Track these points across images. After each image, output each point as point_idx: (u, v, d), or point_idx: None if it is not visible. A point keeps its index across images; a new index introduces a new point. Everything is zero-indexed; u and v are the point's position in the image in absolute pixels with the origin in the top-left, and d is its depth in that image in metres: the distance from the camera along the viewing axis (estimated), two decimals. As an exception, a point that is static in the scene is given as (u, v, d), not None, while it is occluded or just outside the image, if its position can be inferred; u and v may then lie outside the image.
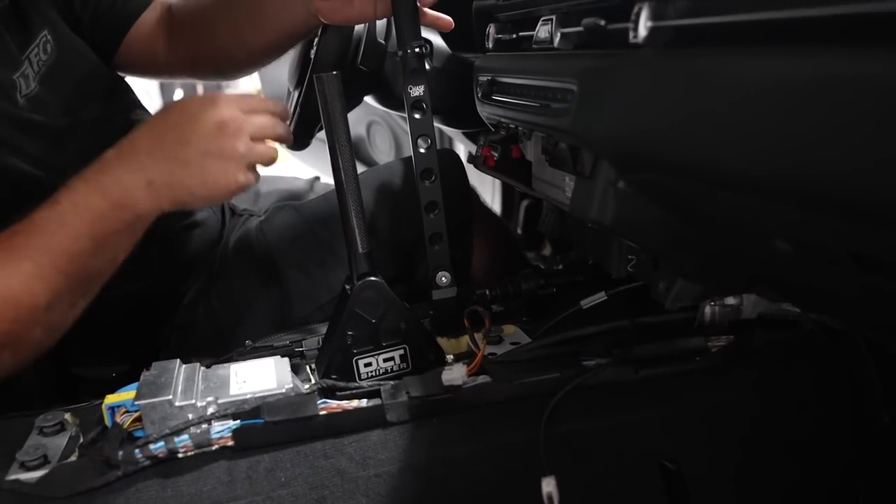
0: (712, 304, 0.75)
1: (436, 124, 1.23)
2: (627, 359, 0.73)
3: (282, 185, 1.26)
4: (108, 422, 0.68)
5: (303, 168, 2.09)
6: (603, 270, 0.82)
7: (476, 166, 0.90)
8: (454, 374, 0.69)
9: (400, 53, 0.76)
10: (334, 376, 0.72)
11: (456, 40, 1.13)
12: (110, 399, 0.68)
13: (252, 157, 0.70)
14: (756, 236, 0.54)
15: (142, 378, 0.70)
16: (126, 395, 0.68)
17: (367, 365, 0.74)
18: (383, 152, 1.83)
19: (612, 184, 0.61)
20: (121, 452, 0.63)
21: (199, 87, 3.14)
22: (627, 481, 0.72)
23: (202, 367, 0.74)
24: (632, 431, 0.73)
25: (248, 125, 0.70)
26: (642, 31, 0.54)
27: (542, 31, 0.73)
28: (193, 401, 0.67)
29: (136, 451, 0.63)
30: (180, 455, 0.65)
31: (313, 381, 0.75)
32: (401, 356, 0.75)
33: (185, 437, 0.64)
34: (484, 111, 0.88)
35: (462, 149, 1.66)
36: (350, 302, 0.72)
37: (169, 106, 0.72)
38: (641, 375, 0.73)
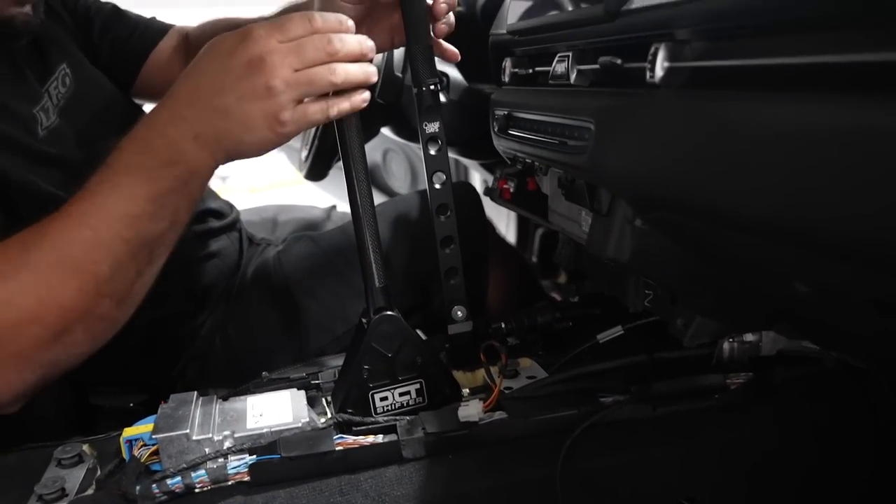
0: (731, 340, 0.74)
1: (452, 155, 1.25)
2: (645, 396, 0.72)
3: (299, 213, 1.27)
4: (125, 455, 0.68)
5: (319, 193, 2.10)
6: (619, 303, 0.81)
7: (492, 199, 0.91)
8: (470, 411, 0.69)
9: (415, 90, 0.77)
10: (350, 410, 0.72)
11: (472, 72, 1.14)
12: (128, 432, 0.69)
13: (296, 91, 0.62)
14: (774, 277, 0.53)
15: (159, 411, 0.70)
16: (143, 427, 0.69)
17: (382, 399, 0.74)
18: (399, 179, 1.84)
19: (629, 221, 0.61)
20: (138, 487, 0.63)
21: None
22: (645, 520, 0.71)
23: (219, 400, 0.75)
24: (649, 469, 0.72)
25: (286, 57, 0.61)
26: (659, 71, 0.55)
27: (558, 66, 0.74)
28: (210, 435, 0.67)
29: (154, 486, 0.63)
30: (197, 490, 0.65)
31: (329, 415, 0.75)
32: (417, 390, 0.75)
33: (201, 472, 0.65)
34: (500, 145, 0.89)
35: (478, 177, 1.67)
36: (366, 336, 0.73)
37: (206, 47, 0.65)
38: (659, 413, 0.72)
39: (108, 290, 0.64)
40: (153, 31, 1.02)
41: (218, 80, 0.62)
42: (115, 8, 1.02)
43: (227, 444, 0.67)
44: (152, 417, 0.70)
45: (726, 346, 0.75)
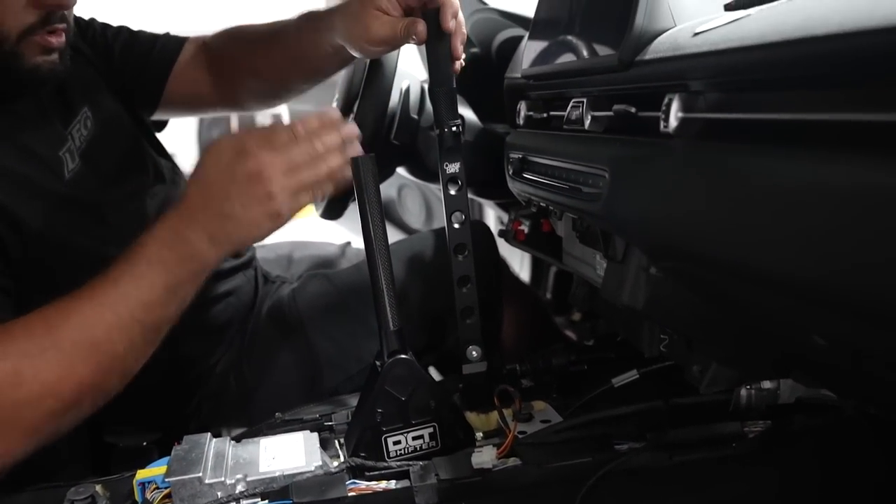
0: (748, 387, 0.73)
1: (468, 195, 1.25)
2: (661, 443, 0.71)
3: (314, 250, 1.28)
4: (138, 497, 0.68)
5: (333, 226, 2.11)
6: (634, 346, 0.81)
7: (507, 240, 0.91)
8: (484, 457, 0.68)
9: (437, 131, 0.78)
10: (363, 454, 0.72)
11: (486, 112, 1.15)
12: (141, 474, 0.69)
13: (291, 191, 0.71)
14: (791, 328, 0.53)
15: (172, 453, 0.70)
16: (156, 470, 0.69)
17: (396, 443, 0.73)
18: (414, 214, 1.85)
19: (644, 269, 0.61)
20: (150, 531, 0.63)
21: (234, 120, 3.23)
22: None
23: (232, 441, 0.75)
24: (666, 519, 0.70)
25: (278, 168, 0.70)
26: (673, 121, 0.55)
27: (573, 112, 0.75)
28: (223, 478, 0.67)
29: (166, 530, 0.63)
30: (208, 535, 0.64)
31: (342, 458, 0.74)
32: (430, 434, 0.74)
33: (213, 516, 0.64)
34: (515, 188, 0.90)
35: (492, 214, 1.67)
36: (380, 379, 0.72)
37: (206, 156, 0.74)
38: (676, 461, 0.71)
39: (121, 367, 0.71)
40: (172, 44, 1.04)
41: (224, 189, 0.71)
42: (129, 30, 1.04)
43: (239, 488, 0.67)
44: (165, 459, 0.70)
45: (743, 392, 0.74)
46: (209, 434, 0.74)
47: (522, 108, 0.90)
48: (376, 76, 0.95)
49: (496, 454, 0.69)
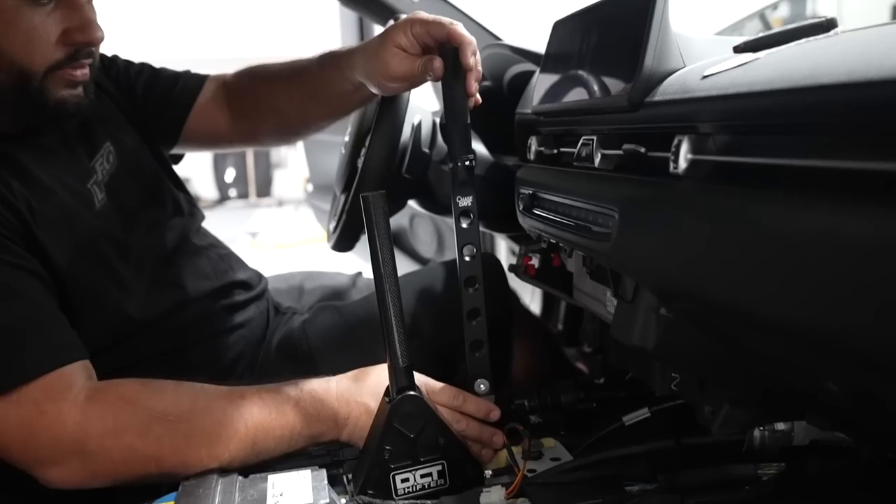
0: (762, 428, 0.72)
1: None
2: (673, 485, 0.70)
3: (325, 280, 1.28)
4: (145, 534, 0.68)
5: (345, 255, 2.12)
6: (645, 384, 0.80)
7: (517, 275, 0.91)
8: (493, 497, 0.68)
9: (450, 165, 0.79)
10: (371, 491, 0.72)
11: (497, 145, 1.16)
12: (149, 511, 0.68)
13: None
14: (803, 374, 0.52)
15: (180, 488, 0.70)
16: (164, 505, 0.68)
17: (404, 480, 0.73)
18: (425, 244, 1.85)
19: (654, 310, 0.61)
20: (155, 569, 0.62)
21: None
22: None
23: (240, 477, 0.74)
24: (678, 563, 0.69)
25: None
26: (682, 162, 0.55)
27: (583, 149, 0.75)
28: (229, 516, 0.66)
29: (171, 568, 0.62)
30: (214, 574, 0.64)
31: (349, 496, 0.74)
32: (438, 472, 0.74)
33: (219, 555, 0.64)
34: (525, 223, 0.90)
35: (503, 245, 1.67)
36: (389, 416, 0.72)
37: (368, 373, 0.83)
38: None
39: (219, 461, 0.75)
40: (193, 82, 1.07)
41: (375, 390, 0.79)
42: (151, 67, 1.07)
43: (246, 527, 0.66)
44: (173, 494, 0.70)
45: (757, 433, 0.72)
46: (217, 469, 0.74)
47: (533, 143, 0.90)
48: (388, 111, 0.96)
49: (505, 494, 0.69)
